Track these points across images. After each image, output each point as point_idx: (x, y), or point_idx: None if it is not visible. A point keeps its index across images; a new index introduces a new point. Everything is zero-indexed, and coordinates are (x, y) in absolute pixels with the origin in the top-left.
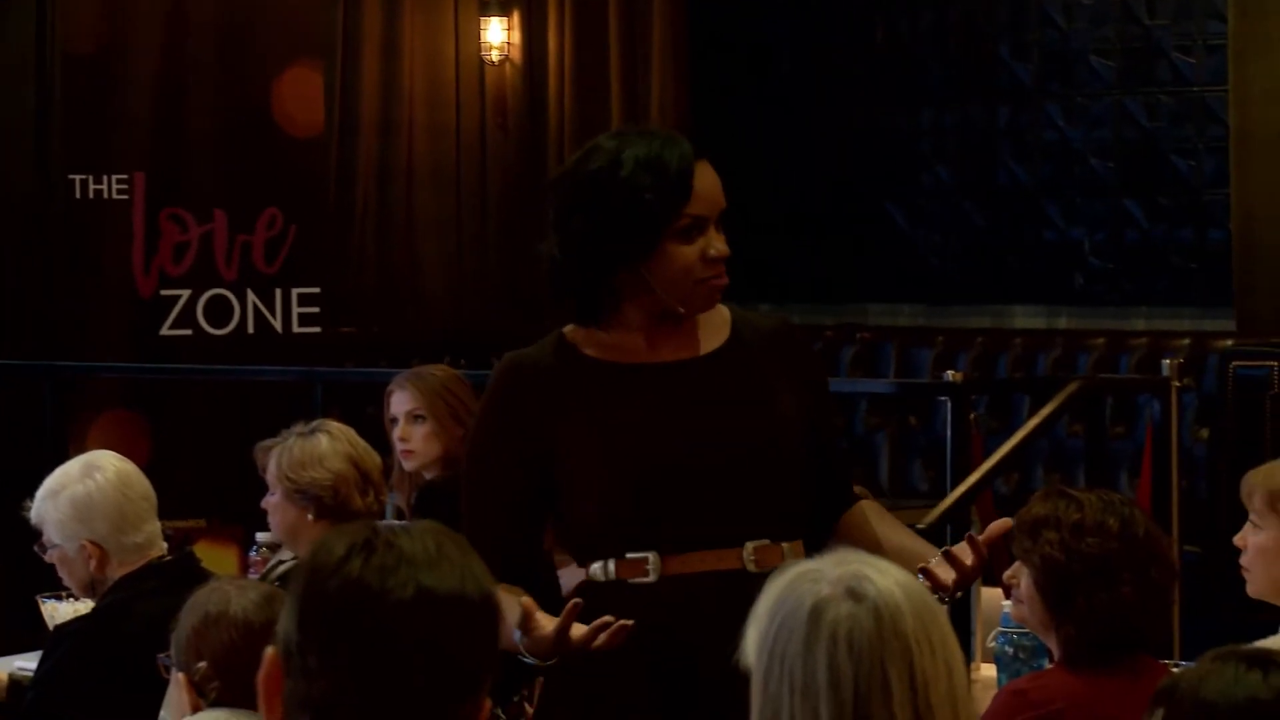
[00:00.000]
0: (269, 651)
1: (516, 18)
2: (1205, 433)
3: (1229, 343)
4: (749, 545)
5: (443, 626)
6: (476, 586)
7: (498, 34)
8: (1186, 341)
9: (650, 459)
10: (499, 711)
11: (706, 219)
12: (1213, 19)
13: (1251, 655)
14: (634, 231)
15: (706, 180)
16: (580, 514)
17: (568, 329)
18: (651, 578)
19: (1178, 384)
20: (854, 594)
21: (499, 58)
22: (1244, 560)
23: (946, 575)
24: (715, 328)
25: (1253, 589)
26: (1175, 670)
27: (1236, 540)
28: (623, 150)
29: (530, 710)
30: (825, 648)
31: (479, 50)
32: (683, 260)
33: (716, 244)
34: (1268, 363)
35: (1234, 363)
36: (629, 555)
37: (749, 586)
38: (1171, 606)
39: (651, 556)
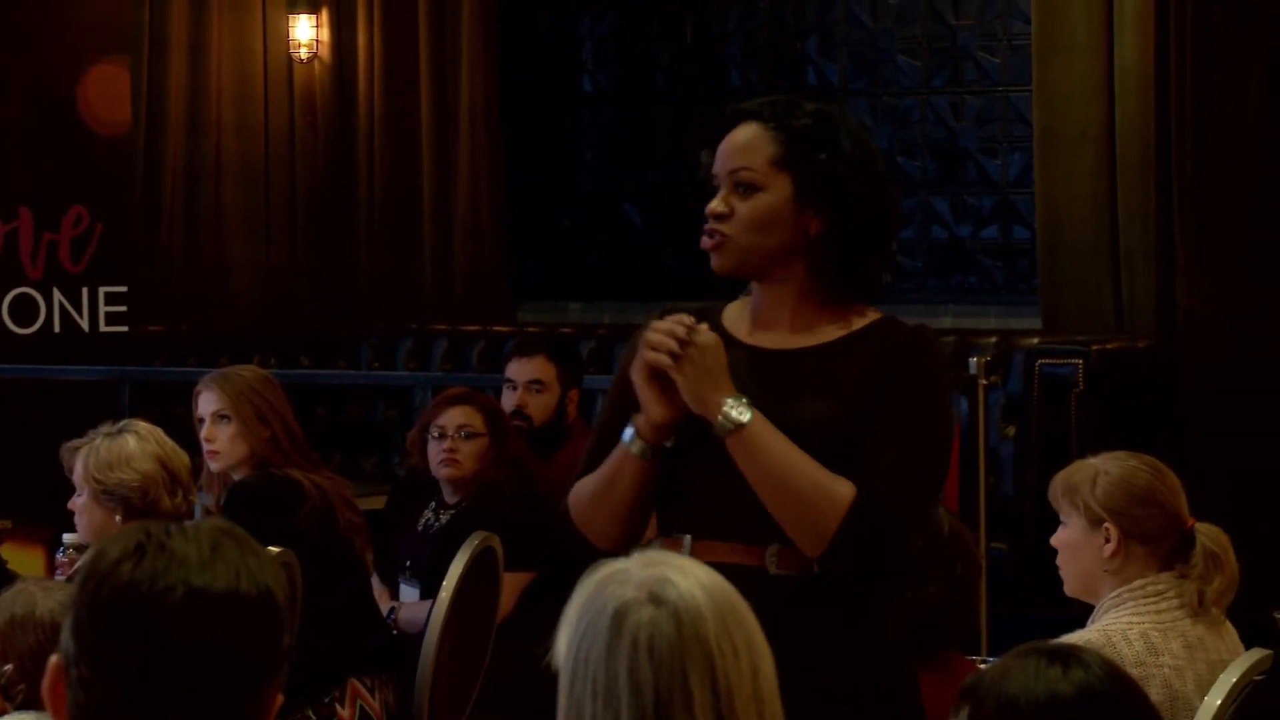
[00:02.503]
0: (52, 660)
1: (325, 15)
2: (1012, 430)
3: (1035, 340)
4: (773, 546)
5: (217, 626)
6: (253, 583)
7: (306, 31)
8: (993, 339)
9: (705, 443)
10: (310, 713)
11: (716, 177)
12: (1017, 19)
13: (1053, 651)
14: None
15: (729, 140)
16: (668, 475)
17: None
18: None
19: (985, 382)
20: (656, 598)
21: (308, 55)
22: (1059, 559)
23: None
24: (837, 326)
25: (1067, 587)
26: (982, 666)
27: (1053, 541)
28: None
29: (342, 712)
30: (626, 653)
31: (287, 48)
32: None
33: (712, 201)
34: (1073, 360)
35: (1040, 360)
36: (673, 534)
37: (767, 587)
38: (978, 603)
39: (686, 539)
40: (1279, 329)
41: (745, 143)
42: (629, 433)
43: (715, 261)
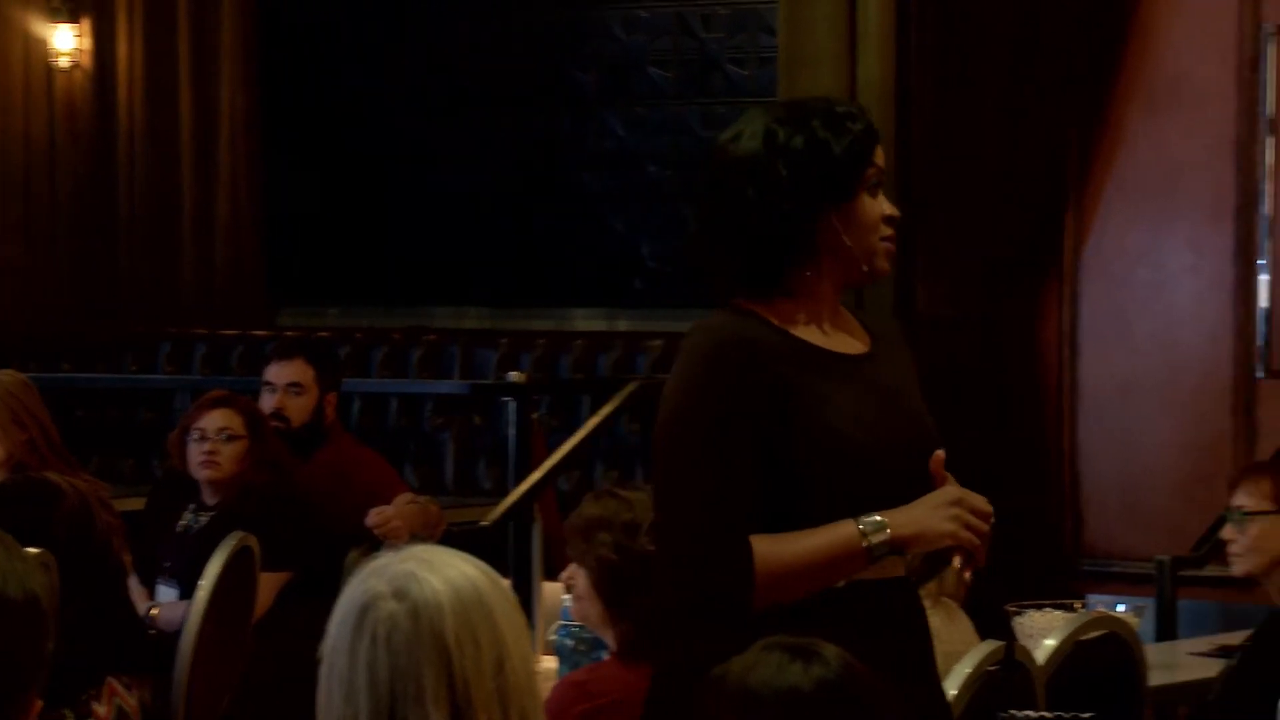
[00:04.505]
0: None
1: (87, 24)
2: None
3: None
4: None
5: None
6: (19, 587)
7: (67, 40)
8: None
9: (858, 456)
10: (67, 712)
11: (883, 175)
12: (764, 32)
13: (795, 646)
14: (842, 166)
15: (879, 149)
16: (793, 506)
17: (743, 303)
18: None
19: None
20: (399, 593)
21: (68, 64)
22: None
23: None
24: (854, 324)
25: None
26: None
27: None
28: (806, 108)
29: (99, 709)
30: (366, 646)
31: (48, 56)
32: (871, 214)
33: (889, 204)
34: None
35: None
36: None
37: (910, 595)
38: None
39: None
40: (1007, 331)
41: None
42: (878, 539)
43: (887, 266)
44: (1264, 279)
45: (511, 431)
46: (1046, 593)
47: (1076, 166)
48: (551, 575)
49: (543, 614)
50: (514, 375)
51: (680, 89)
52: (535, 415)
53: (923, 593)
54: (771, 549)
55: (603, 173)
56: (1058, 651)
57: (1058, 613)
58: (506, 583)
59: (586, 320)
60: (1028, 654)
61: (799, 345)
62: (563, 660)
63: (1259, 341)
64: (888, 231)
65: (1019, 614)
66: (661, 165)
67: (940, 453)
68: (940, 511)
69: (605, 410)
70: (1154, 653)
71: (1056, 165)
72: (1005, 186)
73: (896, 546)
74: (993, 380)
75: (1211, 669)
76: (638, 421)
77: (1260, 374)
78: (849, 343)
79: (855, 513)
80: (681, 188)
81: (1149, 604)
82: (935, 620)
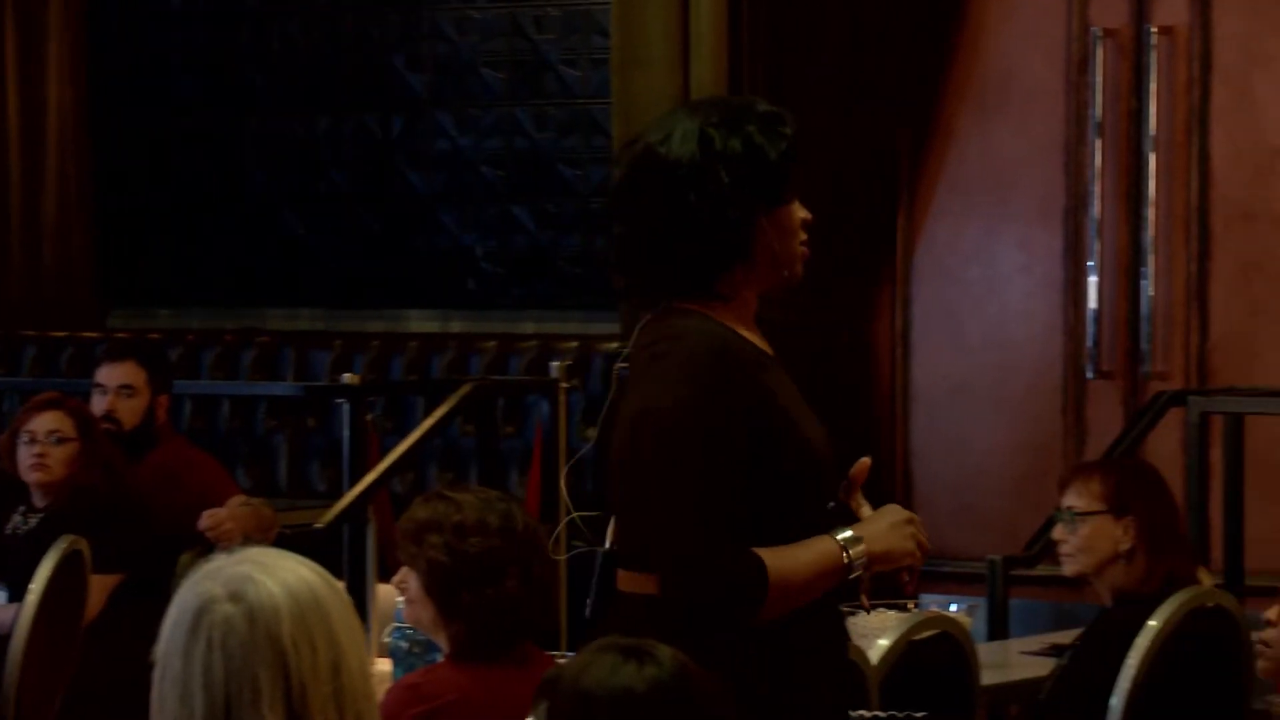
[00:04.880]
0: None
1: None
2: (592, 432)
3: (614, 345)
4: None
5: None
6: None
7: None
8: (574, 344)
9: (816, 457)
10: None
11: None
12: (596, 34)
13: (629, 646)
14: (777, 171)
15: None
16: (769, 511)
17: (687, 305)
18: None
19: (565, 385)
20: (235, 596)
21: None
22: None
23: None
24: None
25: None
26: (560, 661)
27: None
28: (736, 110)
29: None
30: (202, 649)
31: None
32: (794, 218)
33: (804, 209)
34: None
35: (618, 364)
36: None
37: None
38: (558, 600)
39: None
40: (841, 332)
41: None
42: (856, 555)
43: (801, 271)
44: (1093, 280)
45: (345, 433)
46: (880, 593)
47: (908, 167)
48: (386, 577)
49: (377, 616)
50: (348, 377)
51: (513, 90)
52: (369, 417)
53: None
54: (775, 561)
55: (435, 173)
56: (891, 651)
57: (891, 613)
58: (341, 585)
59: (420, 322)
60: (861, 654)
61: (751, 347)
62: (397, 663)
63: (1089, 342)
64: (804, 236)
65: (852, 614)
66: (494, 166)
67: (868, 460)
68: (901, 530)
69: (439, 412)
70: (986, 652)
71: (888, 166)
72: (837, 187)
73: (868, 563)
74: (825, 382)
75: (1043, 668)
76: (472, 423)
77: (1090, 374)
78: (765, 344)
79: (819, 516)
80: (514, 188)
81: (981, 603)
82: None
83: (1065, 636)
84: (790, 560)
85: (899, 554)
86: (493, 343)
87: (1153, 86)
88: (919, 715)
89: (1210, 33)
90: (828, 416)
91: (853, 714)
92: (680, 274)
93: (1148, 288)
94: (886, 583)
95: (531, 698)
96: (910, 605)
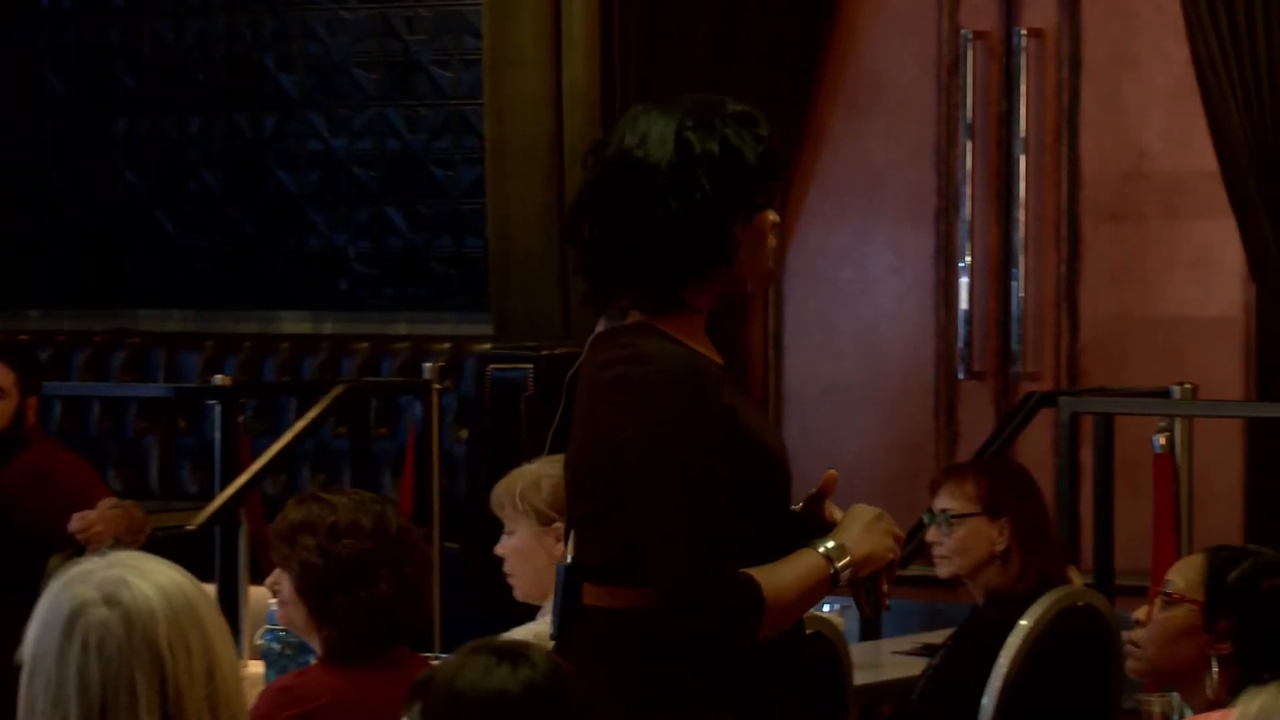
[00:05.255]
0: None
1: None
2: (465, 433)
3: (487, 346)
4: None
5: None
6: None
7: None
8: (447, 345)
9: (781, 466)
10: None
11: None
12: (468, 35)
13: (503, 648)
14: (756, 177)
15: None
16: (739, 518)
17: (645, 319)
18: None
19: (438, 386)
20: (110, 600)
21: None
22: (506, 568)
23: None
24: None
25: (519, 593)
26: (434, 663)
27: (497, 550)
28: (709, 111)
29: None
30: (77, 652)
31: None
32: (768, 225)
33: (773, 211)
34: (523, 365)
35: (491, 366)
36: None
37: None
38: (431, 601)
39: None
40: (715, 336)
41: None
42: (841, 564)
43: (767, 282)
44: (964, 281)
45: (217, 435)
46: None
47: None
48: (258, 579)
49: (249, 618)
50: (219, 378)
51: (384, 91)
52: (241, 419)
53: None
54: (768, 581)
55: (307, 174)
56: None
57: None
58: (210, 588)
59: (292, 323)
60: None
61: (709, 363)
62: (269, 665)
63: (960, 343)
64: (774, 241)
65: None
66: (366, 167)
67: (834, 472)
68: (877, 528)
69: (311, 413)
70: (859, 652)
71: None
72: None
73: (854, 570)
74: None
75: (915, 667)
76: (345, 424)
77: (962, 375)
78: (716, 355)
79: (788, 526)
80: (386, 189)
81: (854, 604)
82: None
83: (937, 636)
84: (781, 578)
85: (880, 553)
86: (365, 344)
87: (1023, 89)
88: None
89: (1079, 35)
90: None
91: None
92: (653, 282)
93: (1018, 289)
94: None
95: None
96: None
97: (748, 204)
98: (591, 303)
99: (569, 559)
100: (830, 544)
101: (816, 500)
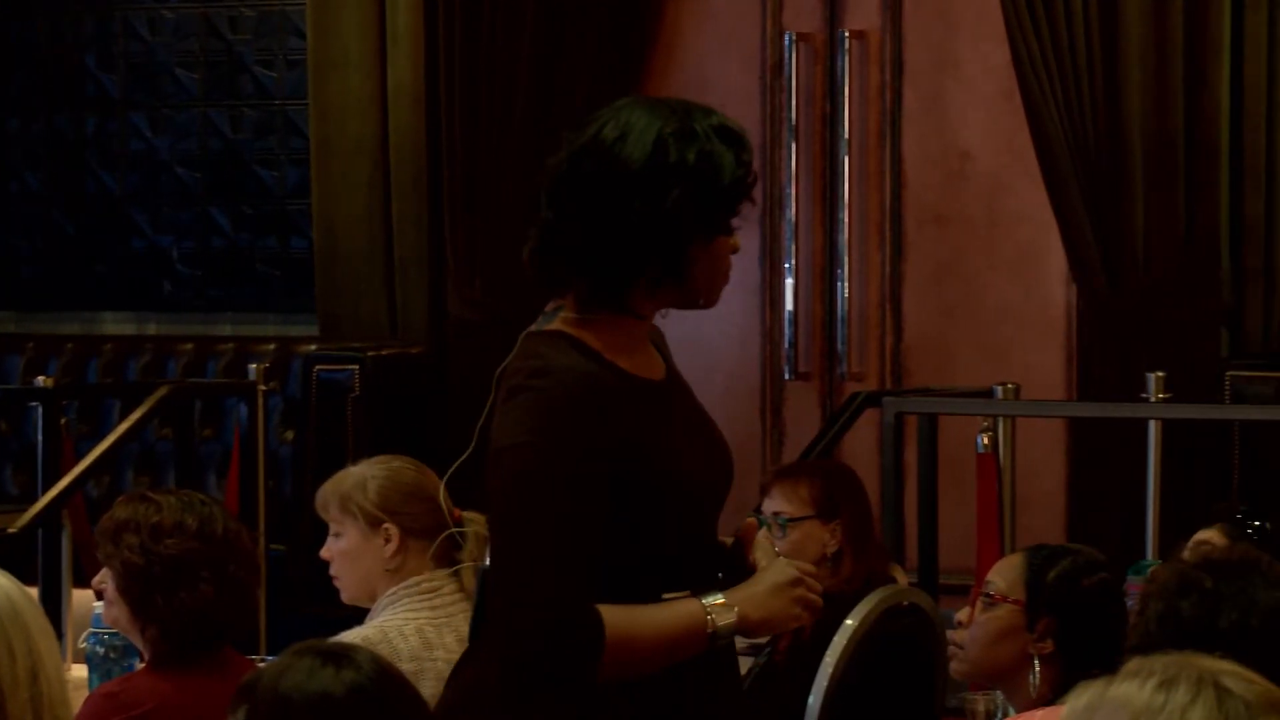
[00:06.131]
0: None
1: None
2: (291, 434)
3: (312, 347)
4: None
5: None
6: None
7: None
8: (272, 346)
9: (695, 493)
10: None
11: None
12: (292, 35)
13: (328, 650)
14: (725, 200)
15: None
16: (626, 548)
17: (565, 326)
18: None
19: (264, 388)
20: None
21: None
22: (333, 570)
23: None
24: (649, 344)
25: (346, 595)
26: (260, 665)
27: (323, 554)
28: (695, 118)
29: None
30: None
31: None
32: (727, 249)
33: (736, 236)
34: (349, 366)
35: (317, 367)
36: (666, 596)
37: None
38: (255, 602)
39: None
40: None
41: None
42: (723, 624)
43: (715, 301)
44: (790, 282)
45: (39, 437)
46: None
47: None
48: (81, 582)
49: (73, 622)
50: (42, 380)
51: (208, 91)
52: (64, 420)
53: (452, 598)
54: (621, 621)
55: (129, 174)
56: None
57: None
58: (34, 591)
59: (116, 324)
60: None
61: (623, 378)
62: (93, 668)
63: (786, 344)
64: (729, 264)
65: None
66: (190, 167)
67: (753, 520)
68: (785, 595)
69: (135, 415)
70: None
71: None
72: (535, 188)
73: (741, 631)
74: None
75: (742, 666)
76: (169, 426)
77: (788, 375)
78: (652, 366)
79: (683, 552)
80: (210, 190)
81: None
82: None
83: (764, 636)
84: (641, 624)
85: (780, 620)
86: (190, 345)
87: (846, 91)
88: None
89: (902, 37)
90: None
91: None
92: (599, 281)
93: (843, 290)
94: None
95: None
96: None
97: (711, 224)
98: (537, 283)
99: (486, 563)
100: (719, 600)
101: (737, 546)
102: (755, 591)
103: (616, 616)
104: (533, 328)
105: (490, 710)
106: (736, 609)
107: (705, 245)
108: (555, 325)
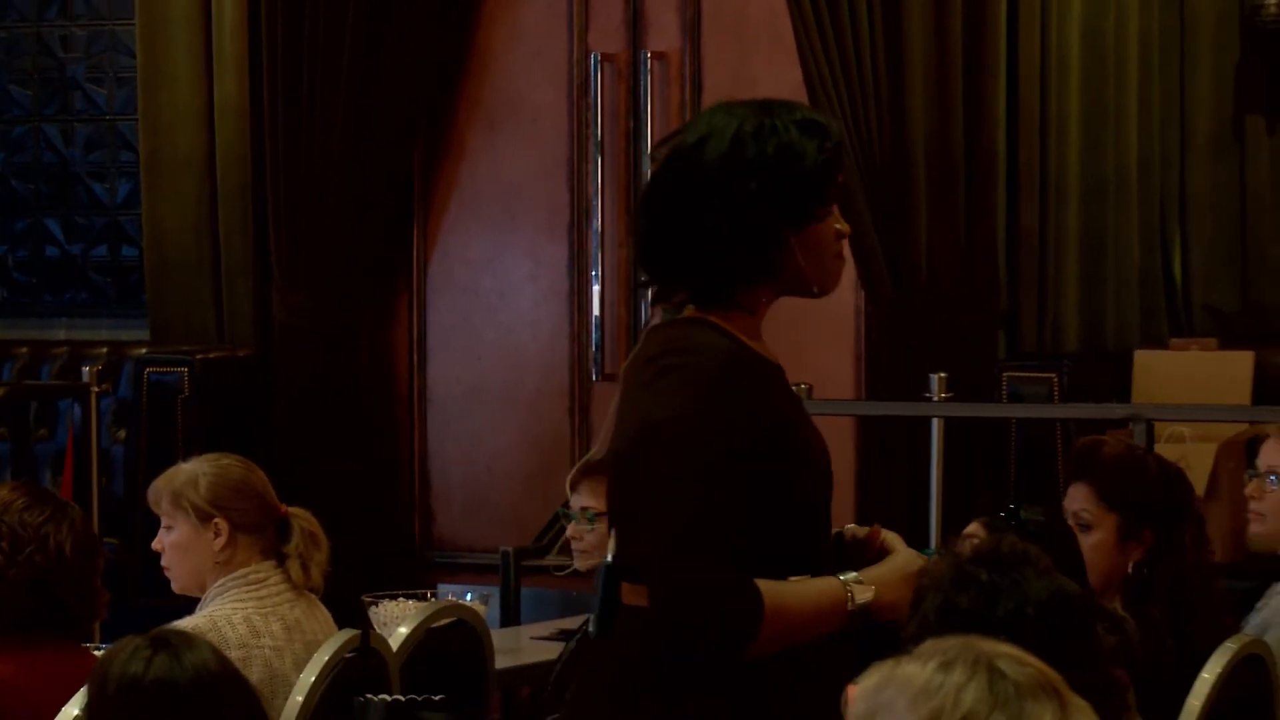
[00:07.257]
0: None
1: None
2: (123, 434)
3: (144, 351)
4: None
5: None
6: None
7: None
8: (104, 350)
9: (826, 471)
10: None
11: (842, 192)
12: (122, 54)
13: (163, 637)
14: (809, 188)
15: None
16: (774, 533)
17: (702, 314)
18: None
19: (97, 389)
20: None
21: None
22: (165, 562)
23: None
24: None
25: (177, 586)
26: (97, 653)
27: (154, 545)
28: (775, 114)
29: None
30: None
31: None
32: (828, 234)
33: (841, 220)
34: (178, 369)
35: (148, 369)
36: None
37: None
38: (100, 595)
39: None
40: (361, 340)
41: None
42: (861, 602)
43: (835, 286)
44: (597, 289)
45: None
46: (400, 584)
47: (421, 182)
48: None
49: None
50: None
51: (41, 106)
52: None
53: (278, 589)
54: (772, 593)
55: None
56: (410, 638)
57: (410, 602)
58: None
59: None
60: (383, 641)
61: (763, 362)
62: None
63: (593, 347)
64: (839, 248)
65: (374, 604)
66: (25, 180)
67: (878, 526)
68: (911, 584)
69: None
70: (500, 637)
71: (402, 181)
72: (356, 200)
73: (872, 612)
74: (348, 386)
75: (552, 651)
76: (5, 426)
77: (595, 377)
78: (772, 354)
79: (815, 532)
80: (44, 201)
81: (494, 592)
82: (297, 611)
83: (572, 622)
84: (791, 596)
85: (904, 606)
86: (25, 349)
87: (649, 108)
88: (437, 698)
89: (700, 58)
90: (349, 418)
91: (373, 698)
92: (698, 283)
93: (647, 296)
94: None
95: (71, 684)
96: (429, 595)
97: (799, 213)
98: (651, 293)
99: (609, 557)
100: (857, 578)
101: (860, 540)
102: (888, 574)
103: (770, 589)
104: (656, 321)
105: (637, 705)
106: (874, 589)
107: (798, 234)
108: (687, 314)
